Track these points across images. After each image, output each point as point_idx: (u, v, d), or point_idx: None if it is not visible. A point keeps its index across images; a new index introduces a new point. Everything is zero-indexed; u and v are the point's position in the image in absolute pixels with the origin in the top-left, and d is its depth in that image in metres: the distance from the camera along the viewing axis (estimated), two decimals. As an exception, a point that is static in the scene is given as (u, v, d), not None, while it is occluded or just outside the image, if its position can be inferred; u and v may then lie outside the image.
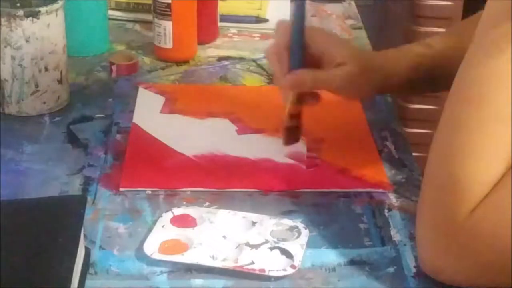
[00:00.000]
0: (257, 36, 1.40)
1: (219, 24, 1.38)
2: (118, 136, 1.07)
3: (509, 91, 0.73)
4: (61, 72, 1.13)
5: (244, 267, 0.82)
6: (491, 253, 0.73)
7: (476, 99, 0.75)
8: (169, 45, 1.28)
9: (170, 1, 1.26)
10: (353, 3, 1.55)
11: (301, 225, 0.88)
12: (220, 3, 1.38)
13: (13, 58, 1.09)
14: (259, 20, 1.44)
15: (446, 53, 1.01)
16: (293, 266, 0.83)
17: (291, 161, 1.02)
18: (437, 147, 0.78)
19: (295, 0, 0.99)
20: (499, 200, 0.73)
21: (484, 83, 0.75)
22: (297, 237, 0.87)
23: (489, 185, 0.73)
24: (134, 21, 1.43)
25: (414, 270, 0.83)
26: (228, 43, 1.37)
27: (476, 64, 0.76)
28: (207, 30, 1.34)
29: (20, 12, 1.07)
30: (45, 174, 0.99)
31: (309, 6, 1.52)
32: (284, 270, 0.82)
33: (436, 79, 1.02)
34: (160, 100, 1.16)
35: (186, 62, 1.29)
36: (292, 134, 1.01)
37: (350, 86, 0.99)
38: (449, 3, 1.93)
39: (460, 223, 0.74)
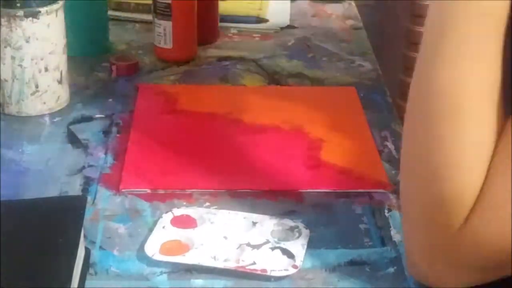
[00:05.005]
0: (257, 36, 1.40)
1: (219, 24, 1.38)
2: (118, 136, 1.07)
3: (480, 95, 0.71)
4: (61, 72, 1.13)
5: (246, 268, 0.82)
6: (495, 253, 0.72)
7: (448, 111, 0.72)
8: (169, 45, 1.28)
9: (170, 1, 1.26)
10: (353, 3, 1.55)
11: (301, 225, 0.88)
12: (220, 3, 1.38)
13: (13, 58, 1.09)
14: (259, 20, 1.44)
15: None
16: (294, 266, 0.83)
17: (291, 161, 1.02)
18: (413, 164, 0.75)
19: None
20: (493, 200, 0.72)
21: (453, 92, 0.71)
22: (298, 237, 0.87)
23: (476, 191, 0.72)
24: (134, 21, 1.43)
25: (414, 270, 0.83)
26: (228, 43, 1.37)
27: (439, 71, 0.72)
28: (207, 30, 1.34)
29: (20, 12, 1.07)
30: (45, 174, 0.99)
31: (309, 6, 1.52)
32: (286, 270, 0.82)
33: None
34: (160, 100, 1.16)
35: (186, 62, 1.29)
36: None
37: None
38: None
39: (457, 234, 0.73)
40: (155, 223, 0.89)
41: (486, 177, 0.72)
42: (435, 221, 0.74)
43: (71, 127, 1.10)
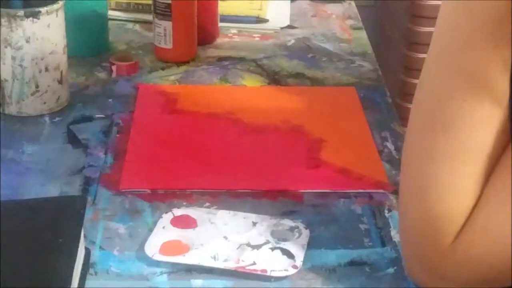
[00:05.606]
0: (257, 37, 1.40)
1: (219, 24, 1.38)
2: (118, 136, 1.07)
3: (472, 118, 0.70)
4: (61, 72, 1.13)
5: (246, 268, 0.82)
6: (486, 269, 0.72)
7: (440, 129, 0.72)
8: (169, 45, 1.28)
9: (170, 1, 1.26)
10: (353, 3, 1.56)
11: (301, 225, 0.88)
12: (220, 3, 1.38)
13: (13, 58, 1.09)
14: (259, 20, 1.44)
15: None
16: (294, 266, 0.83)
17: (291, 161, 1.02)
18: (408, 175, 0.75)
19: None
20: (484, 221, 0.72)
21: (445, 111, 0.71)
22: (298, 237, 0.87)
23: (466, 211, 0.72)
24: (134, 21, 1.43)
25: (414, 270, 0.83)
26: (228, 44, 1.37)
27: (434, 88, 0.72)
28: (207, 30, 1.34)
29: (21, 12, 1.07)
30: (45, 174, 0.99)
31: (309, 6, 1.52)
32: (286, 270, 0.82)
33: None
34: (160, 100, 1.16)
35: (186, 62, 1.29)
36: None
37: None
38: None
39: (447, 251, 0.73)
40: (155, 223, 0.89)
41: (480, 199, 0.72)
42: (425, 237, 0.74)
43: (71, 127, 1.10)
